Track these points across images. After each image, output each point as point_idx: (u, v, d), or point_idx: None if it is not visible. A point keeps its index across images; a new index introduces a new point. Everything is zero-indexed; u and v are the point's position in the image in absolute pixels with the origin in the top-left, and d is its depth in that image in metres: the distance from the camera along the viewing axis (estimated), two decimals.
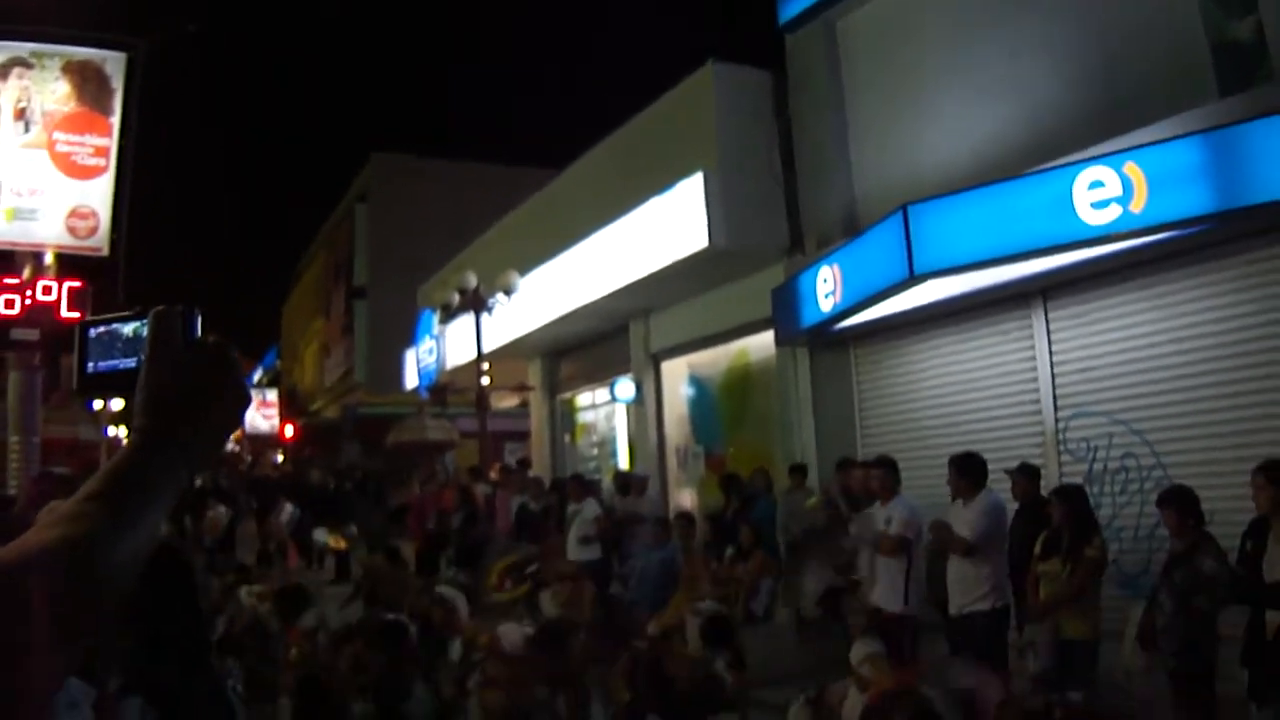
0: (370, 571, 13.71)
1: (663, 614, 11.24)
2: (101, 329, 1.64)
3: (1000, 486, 9.88)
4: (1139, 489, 10.66)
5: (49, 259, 11.32)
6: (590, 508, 15.02)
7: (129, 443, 1.41)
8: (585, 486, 15.80)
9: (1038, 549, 8.64)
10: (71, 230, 11.25)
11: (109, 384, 1.63)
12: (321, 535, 22.04)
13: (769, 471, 14.43)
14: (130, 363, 1.57)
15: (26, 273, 11.14)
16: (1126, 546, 10.62)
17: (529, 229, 21.76)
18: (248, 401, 1.56)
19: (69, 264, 11.40)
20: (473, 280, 19.11)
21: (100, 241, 11.50)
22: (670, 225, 15.32)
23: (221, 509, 20.91)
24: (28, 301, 10.68)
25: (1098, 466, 11.16)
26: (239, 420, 1.56)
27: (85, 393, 1.72)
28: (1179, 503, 7.67)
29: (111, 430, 34.58)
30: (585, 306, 18.41)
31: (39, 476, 10.86)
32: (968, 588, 8.80)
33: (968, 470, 9.06)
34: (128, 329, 1.60)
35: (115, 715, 4.27)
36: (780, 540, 13.22)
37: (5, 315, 10.71)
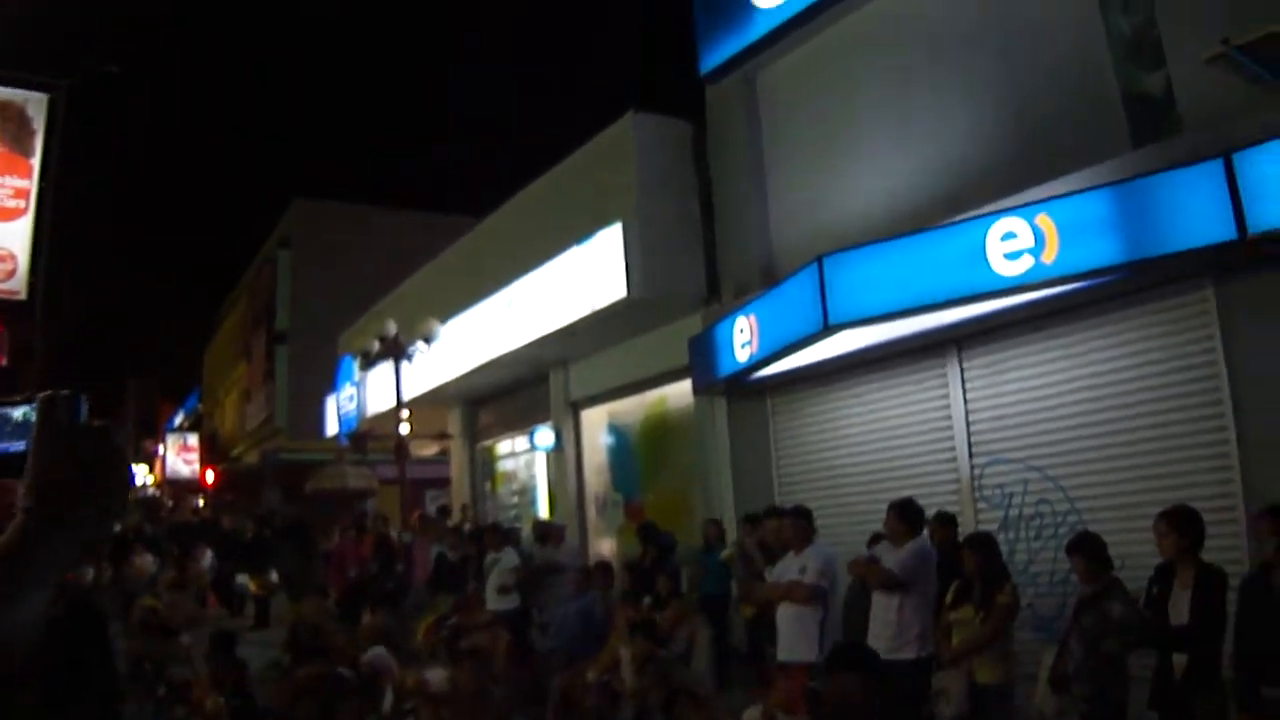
0: (304, 617, 13.53)
1: (596, 659, 11.14)
2: None
3: None
4: (1054, 534, 10.76)
5: None
6: (509, 557, 14.93)
7: (16, 524, 1.44)
8: (504, 535, 15.69)
9: (949, 597, 8.70)
10: None
11: (3, 468, 1.67)
12: (243, 581, 21.85)
13: (720, 523, 14.35)
14: (19, 446, 1.61)
15: None
16: (1042, 591, 10.72)
17: (450, 277, 21.75)
18: (131, 484, 1.59)
19: None
20: (393, 328, 19.06)
21: (18, 285, 11.36)
22: (589, 274, 15.37)
23: (148, 556, 20.69)
24: None
25: (1013, 513, 11.26)
26: (123, 502, 1.58)
27: None
28: (1087, 549, 7.75)
29: None
30: (505, 355, 18.39)
31: None
32: (891, 634, 8.80)
33: (907, 515, 9.09)
34: (17, 413, 1.64)
35: None
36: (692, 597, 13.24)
37: None
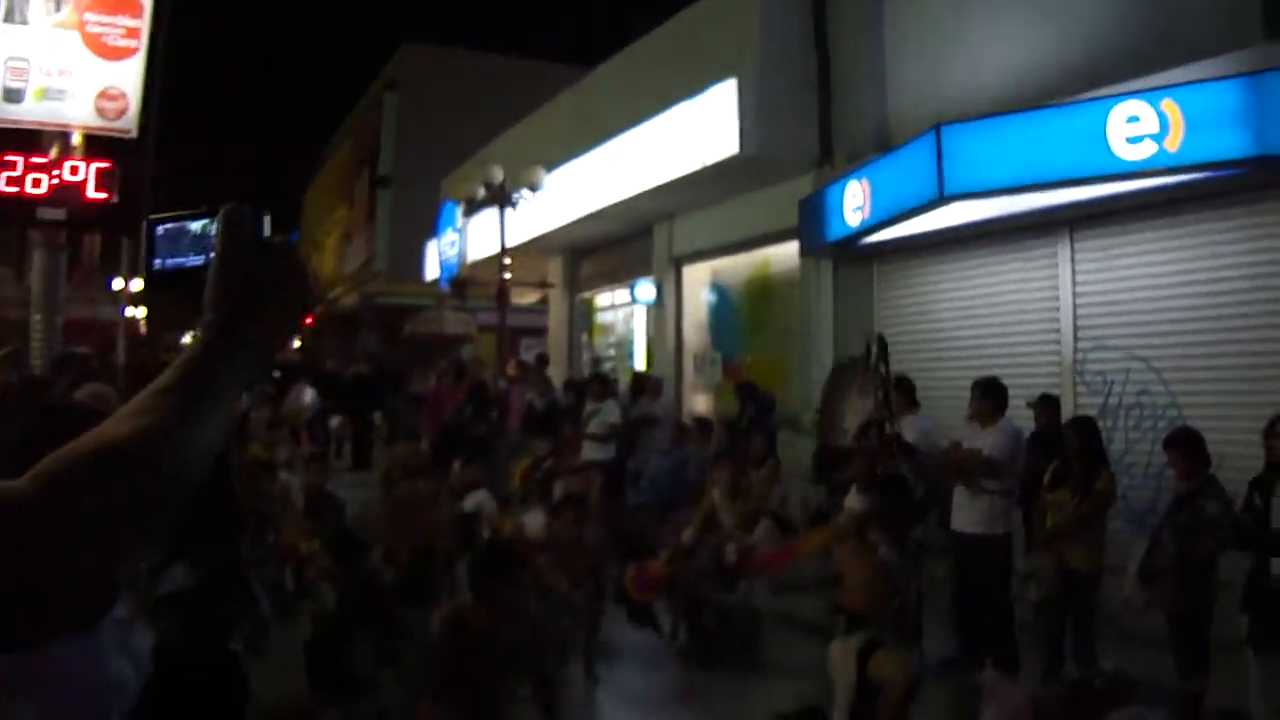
0: (398, 460, 13.72)
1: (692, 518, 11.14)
2: (169, 225, 1.69)
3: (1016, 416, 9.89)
4: (1152, 426, 10.68)
5: (76, 139, 11.27)
6: (609, 408, 15.07)
7: (198, 338, 1.43)
8: (606, 386, 15.83)
9: (1047, 479, 8.68)
10: (100, 111, 11.16)
11: (176, 280, 1.68)
12: (334, 423, 22.16)
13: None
14: (196, 260, 1.62)
15: (54, 153, 11.08)
16: (1135, 483, 10.66)
17: (557, 126, 21.67)
18: (315, 303, 1.61)
19: (97, 145, 11.33)
20: (498, 175, 19.01)
21: (129, 124, 11.39)
22: (701, 129, 15.22)
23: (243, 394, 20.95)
24: (54, 181, 10.61)
25: (1113, 401, 11.19)
26: (301, 320, 1.60)
27: (152, 288, 1.76)
28: (1185, 445, 7.68)
29: (130, 310, 34.58)
30: (610, 207, 18.38)
31: (60, 359, 10.92)
32: (981, 511, 8.83)
33: (992, 394, 9.06)
34: (195, 226, 1.65)
35: (153, 590, 4.39)
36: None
37: (32, 194, 10.65)
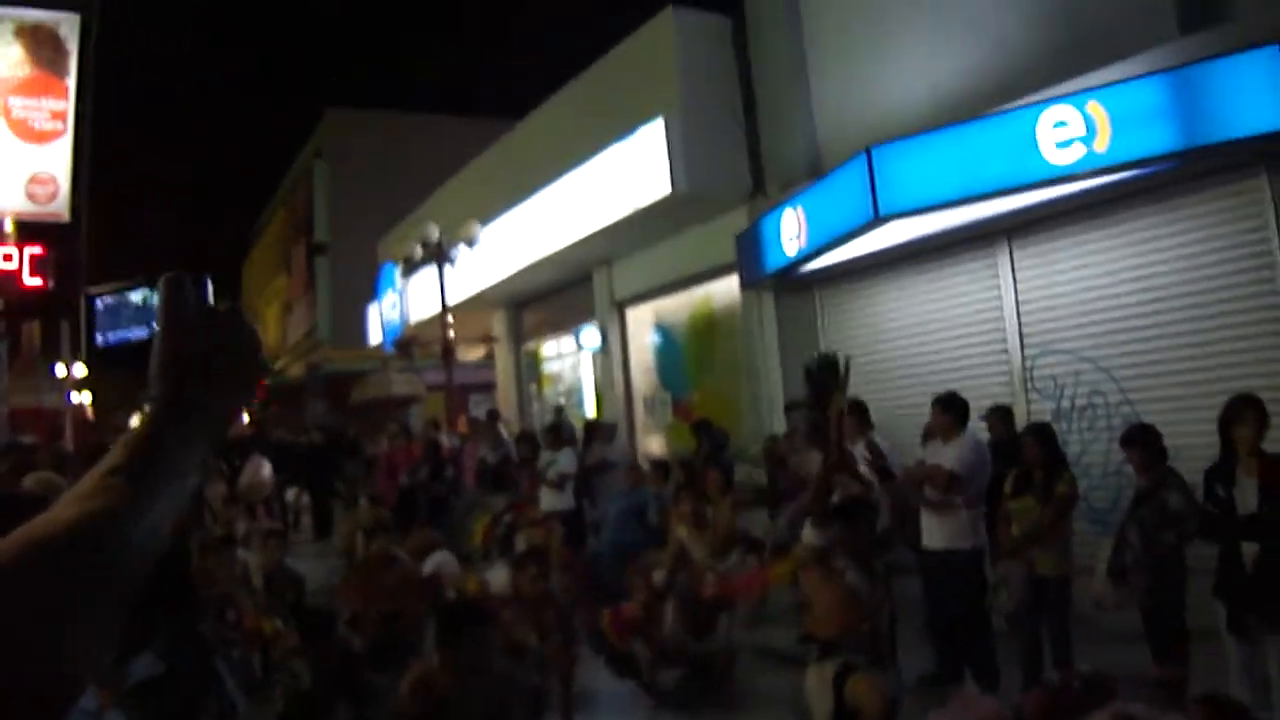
0: (361, 524, 13.57)
1: (660, 557, 11.01)
2: (109, 299, 1.61)
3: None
4: (1106, 425, 10.76)
5: (8, 226, 11.15)
6: (566, 457, 15.00)
7: (147, 414, 1.36)
8: (561, 435, 15.75)
9: (1008, 487, 8.68)
10: (31, 196, 11.08)
11: (120, 356, 1.61)
12: (290, 495, 21.92)
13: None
14: (140, 333, 1.54)
15: None
16: (1095, 483, 10.73)
17: (489, 179, 21.67)
18: (265, 369, 1.54)
19: (28, 230, 11.21)
20: (434, 232, 19.00)
21: (61, 207, 11.33)
22: (632, 171, 15.29)
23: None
24: None
25: (1065, 404, 11.25)
26: (255, 387, 1.52)
27: (97, 366, 1.69)
28: (1142, 441, 7.74)
29: (75, 396, 34.24)
30: (548, 256, 18.38)
31: (4, 449, 10.75)
32: (948, 526, 8.82)
33: (953, 409, 9.07)
34: (136, 297, 1.57)
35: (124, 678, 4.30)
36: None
37: None
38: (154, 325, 1.47)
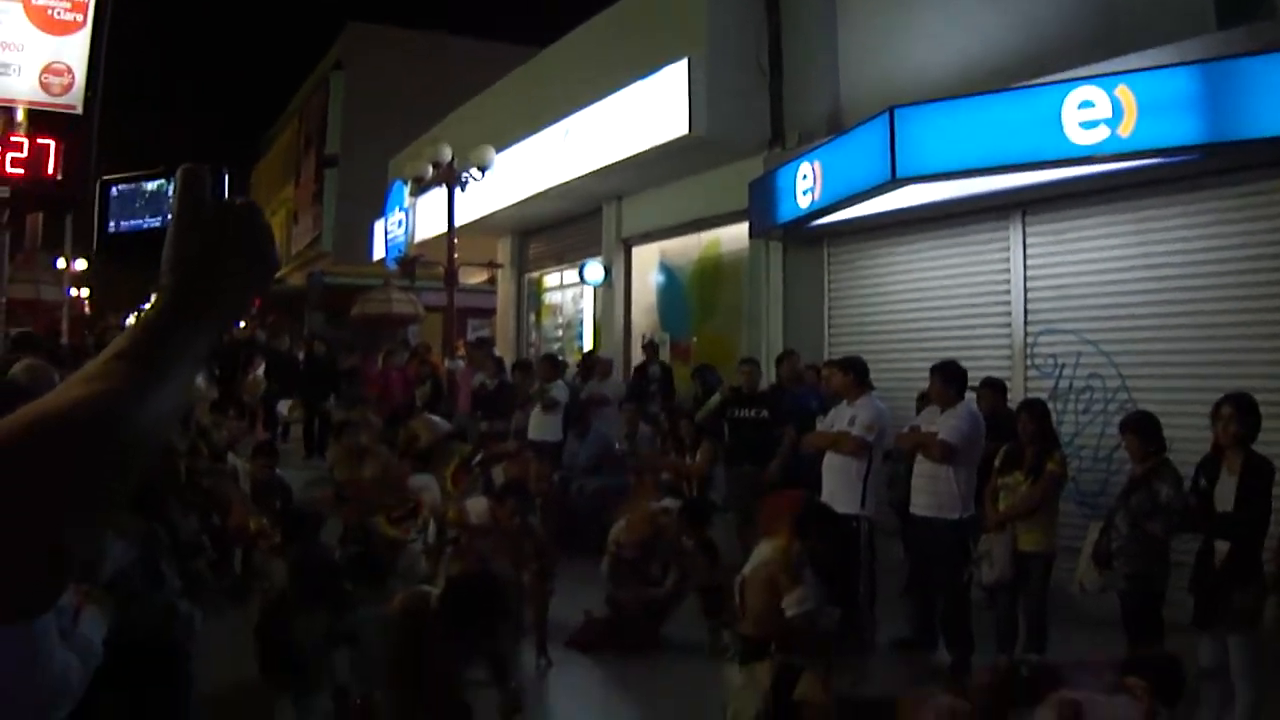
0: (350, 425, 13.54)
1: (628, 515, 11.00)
2: (124, 187, 1.59)
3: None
4: (1102, 410, 10.78)
5: (20, 115, 11.06)
6: (559, 389, 15.05)
7: (155, 301, 1.35)
8: (556, 367, 15.79)
9: (998, 462, 8.71)
10: (45, 86, 10.96)
11: (131, 243, 1.59)
12: (283, 408, 21.79)
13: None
14: (153, 222, 1.53)
15: None
16: (1085, 466, 10.76)
17: (507, 105, 21.52)
18: (276, 265, 1.52)
19: (40, 121, 11.12)
20: (447, 154, 18.90)
21: (75, 99, 11.20)
22: (651, 110, 15.23)
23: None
24: None
25: (1063, 384, 11.25)
26: (266, 283, 1.51)
27: (106, 253, 1.67)
28: (1141, 428, 7.75)
29: (74, 291, 34.14)
30: (559, 186, 18.37)
31: (13, 341, 10.75)
32: (937, 494, 8.84)
33: (952, 378, 9.07)
34: (151, 186, 1.56)
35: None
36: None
37: None
38: (168, 215, 1.45)
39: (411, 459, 9.06)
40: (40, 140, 10.59)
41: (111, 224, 1.60)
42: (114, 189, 1.59)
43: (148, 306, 1.37)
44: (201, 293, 1.36)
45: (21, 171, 10.51)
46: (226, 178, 1.49)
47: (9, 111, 11.00)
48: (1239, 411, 7.01)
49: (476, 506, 9.06)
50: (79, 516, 1.12)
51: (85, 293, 38.83)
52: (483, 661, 5.62)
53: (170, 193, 1.48)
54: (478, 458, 13.11)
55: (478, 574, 5.64)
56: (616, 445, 14.11)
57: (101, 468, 1.15)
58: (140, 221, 1.56)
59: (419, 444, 8.98)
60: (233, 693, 7.45)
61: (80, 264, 32.43)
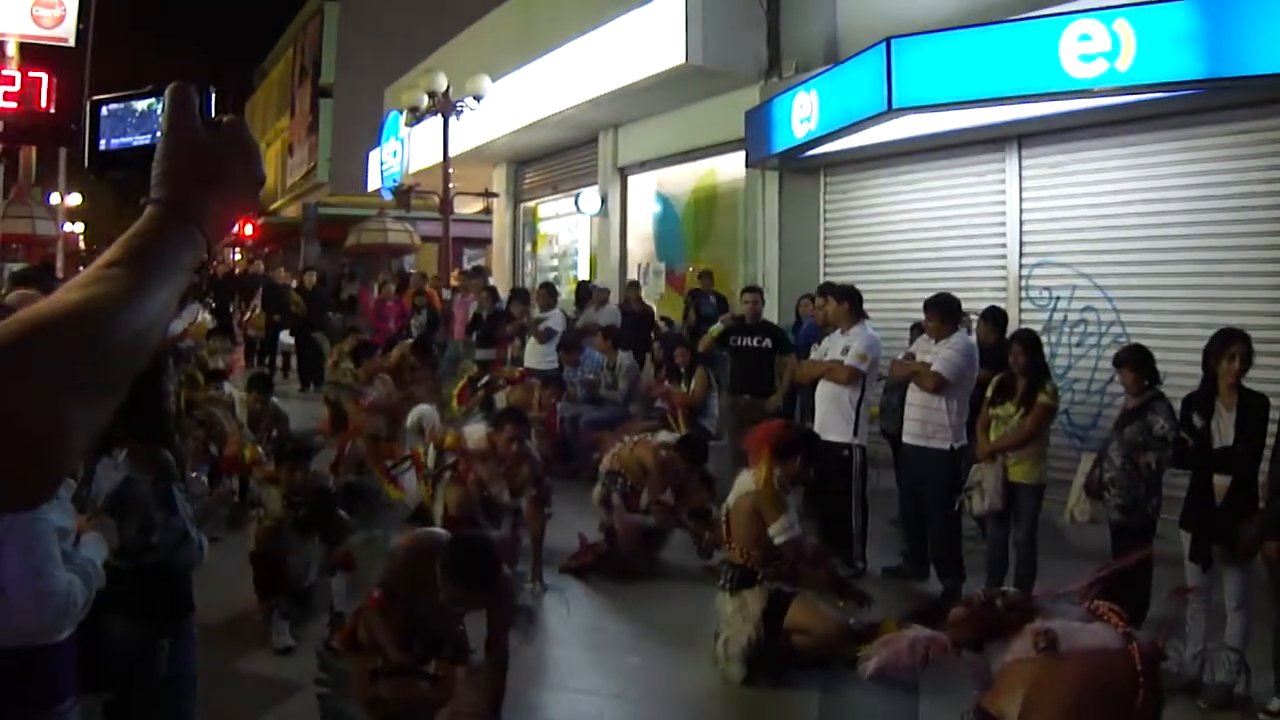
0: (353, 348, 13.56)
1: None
2: (114, 106, 1.62)
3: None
4: (1096, 343, 10.84)
5: (12, 49, 11.00)
6: (555, 318, 15.07)
7: (146, 215, 1.39)
8: (553, 295, 15.80)
9: (989, 392, 8.73)
10: (37, 20, 10.90)
11: (121, 160, 1.62)
12: (286, 338, 21.79)
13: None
14: (144, 139, 1.56)
15: None
16: (1078, 398, 10.84)
17: (502, 34, 21.40)
18: (262, 181, 1.56)
19: (32, 54, 11.07)
20: (442, 83, 18.86)
21: (67, 32, 11.13)
22: (647, 38, 15.16)
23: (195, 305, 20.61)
24: None
25: (1057, 316, 11.31)
26: (253, 200, 1.56)
27: (96, 169, 1.70)
28: (1136, 361, 7.73)
29: (68, 226, 33.94)
30: (555, 114, 18.29)
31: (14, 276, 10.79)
32: (930, 423, 8.88)
33: (947, 310, 9.07)
34: (141, 105, 1.59)
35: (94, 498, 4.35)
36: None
37: None
38: (158, 133, 1.49)
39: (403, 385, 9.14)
40: (32, 73, 10.53)
41: (102, 142, 1.63)
42: (104, 108, 1.61)
43: (140, 219, 1.39)
44: (190, 205, 1.40)
45: (15, 105, 10.47)
46: (214, 96, 1.52)
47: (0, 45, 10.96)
48: (1249, 349, 7.02)
49: (474, 432, 9.12)
50: (74, 410, 1.15)
51: (80, 228, 38.64)
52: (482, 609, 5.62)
53: (160, 111, 1.51)
54: (482, 380, 13.19)
55: (478, 540, 5.62)
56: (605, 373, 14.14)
57: (94, 365, 1.19)
58: (130, 139, 1.59)
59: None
60: (229, 617, 7.53)
61: (74, 199, 32.24)
